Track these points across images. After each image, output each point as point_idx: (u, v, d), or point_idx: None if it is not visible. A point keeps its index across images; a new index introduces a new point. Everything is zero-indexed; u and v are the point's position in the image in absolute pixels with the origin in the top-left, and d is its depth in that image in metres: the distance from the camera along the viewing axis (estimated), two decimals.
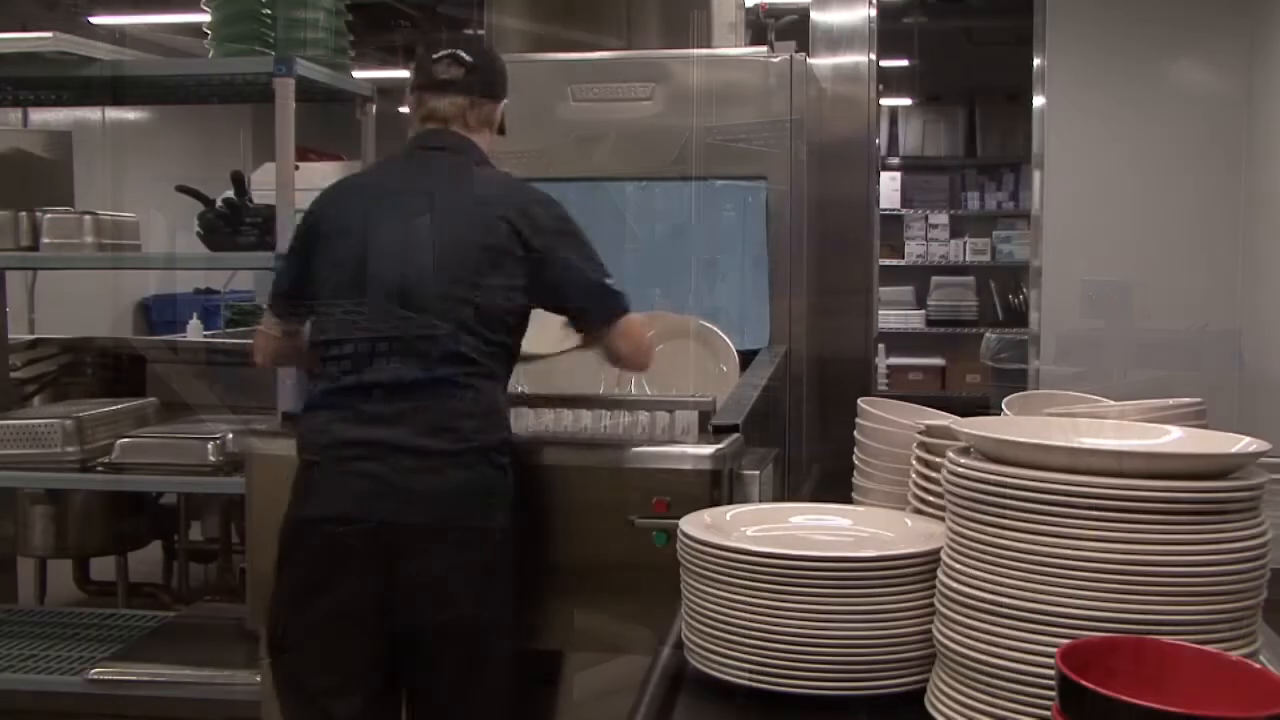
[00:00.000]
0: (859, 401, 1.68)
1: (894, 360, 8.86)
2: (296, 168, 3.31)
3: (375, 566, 2.26)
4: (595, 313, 2.47)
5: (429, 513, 2.26)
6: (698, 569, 1.36)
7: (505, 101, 2.60)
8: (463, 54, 2.53)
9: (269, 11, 3.46)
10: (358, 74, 3.87)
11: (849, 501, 1.64)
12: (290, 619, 2.33)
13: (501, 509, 2.32)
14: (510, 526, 2.33)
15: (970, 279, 9.09)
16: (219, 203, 3.50)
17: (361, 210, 2.48)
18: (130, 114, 9.34)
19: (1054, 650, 0.97)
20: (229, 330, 5.93)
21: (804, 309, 3.36)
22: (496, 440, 2.33)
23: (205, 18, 3.52)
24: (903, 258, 9.09)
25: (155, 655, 3.39)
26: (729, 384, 2.87)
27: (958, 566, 1.19)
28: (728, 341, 3.02)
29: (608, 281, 2.46)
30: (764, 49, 3.50)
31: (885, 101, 8.61)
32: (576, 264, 2.44)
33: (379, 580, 2.26)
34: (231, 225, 3.43)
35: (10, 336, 4.32)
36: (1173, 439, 1.28)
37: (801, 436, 3.43)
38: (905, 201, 9.20)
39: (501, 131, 2.65)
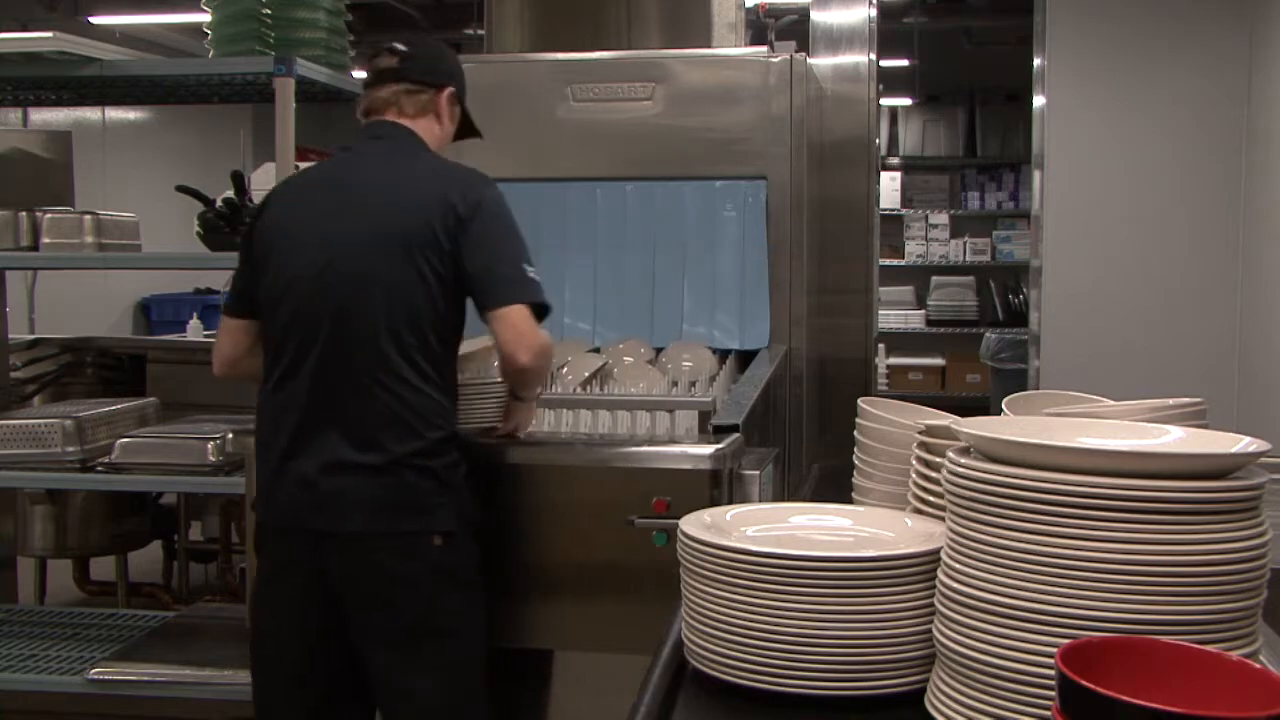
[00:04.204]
0: (859, 401, 1.68)
1: (894, 360, 8.86)
2: (296, 168, 3.31)
3: (313, 573, 2.32)
4: (493, 294, 2.30)
5: (356, 524, 2.28)
6: (698, 569, 1.36)
7: (451, 90, 2.52)
8: (398, 45, 2.51)
9: (269, 11, 3.45)
10: (358, 74, 3.86)
11: (849, 501, 1.64)
12: (256, 608, 2.44)
13: (440, 516, 2.29)
14: (462, 530, 2.32)
15: (970, 279, 9.10)
16: (219, 203, 3.50)
17: (291, 210, 2.45)
18: (130, 114, 9.33)
19: (1054, 650, 0.96)
20: None
21: (804, 309, 3.37)
22: (424, 447, 2.29)
23: (205, 18, 3.52)
24: (903, 258, 9.09)
25: (155, 655, 3.39)
26: None
27: (958, 566, 1.19)
28: None
29: (524, 268, 2.32)
30: (764, 49, 3.51)
31: (885, 101, 8.61)
32: (491, 243, 2.33)
33: (319, 586, 2.32)
34: (231, 225, 3.43)
35: (10, 336, 4.31)
36: (1173, 439, 1.27)
37: (801, 436, 3.43)
38: (905, 201, 9.21)
39: (468, 128, 2.59)
